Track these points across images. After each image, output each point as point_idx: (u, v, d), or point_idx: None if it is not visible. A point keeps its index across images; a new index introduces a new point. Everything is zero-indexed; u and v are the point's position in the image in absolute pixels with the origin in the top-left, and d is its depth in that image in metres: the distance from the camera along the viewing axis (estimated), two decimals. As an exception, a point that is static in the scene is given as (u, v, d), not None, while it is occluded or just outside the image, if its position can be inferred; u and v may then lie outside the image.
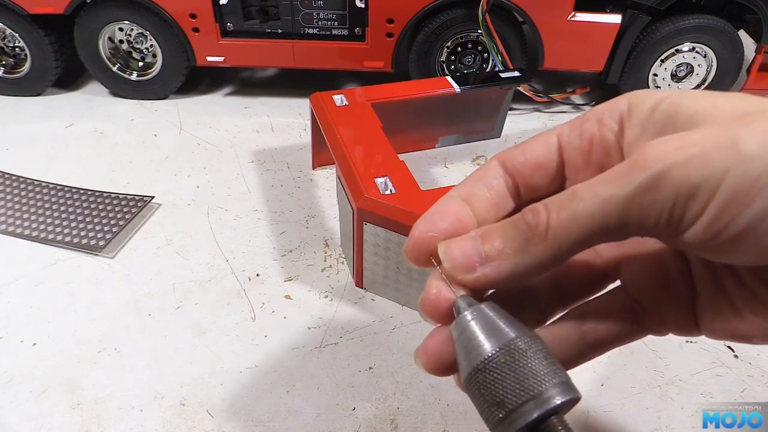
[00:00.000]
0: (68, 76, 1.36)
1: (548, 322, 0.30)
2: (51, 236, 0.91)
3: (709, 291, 0.26)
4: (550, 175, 0.28)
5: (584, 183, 0.23)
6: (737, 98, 0.23)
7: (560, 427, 0.22)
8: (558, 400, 0.22)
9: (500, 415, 0.22)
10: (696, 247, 0.22)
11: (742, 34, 1.19)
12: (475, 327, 0.23)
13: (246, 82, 1.39)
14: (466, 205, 0.26)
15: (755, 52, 1.18)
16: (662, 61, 1.19)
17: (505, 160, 0.28)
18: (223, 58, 1.23)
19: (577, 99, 1.32)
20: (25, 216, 0.95)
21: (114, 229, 0.92)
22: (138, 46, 1.25)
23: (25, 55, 1.26)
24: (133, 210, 0.96)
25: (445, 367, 0.27)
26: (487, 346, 0.23)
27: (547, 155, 0.27)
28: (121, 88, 1.30)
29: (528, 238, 0.23)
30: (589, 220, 0.22)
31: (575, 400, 0.23)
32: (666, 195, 0.21)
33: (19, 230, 0.93)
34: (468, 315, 0.24)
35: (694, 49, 1.17)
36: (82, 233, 0.91)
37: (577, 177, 0.27)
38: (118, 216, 0.95)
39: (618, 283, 0.30)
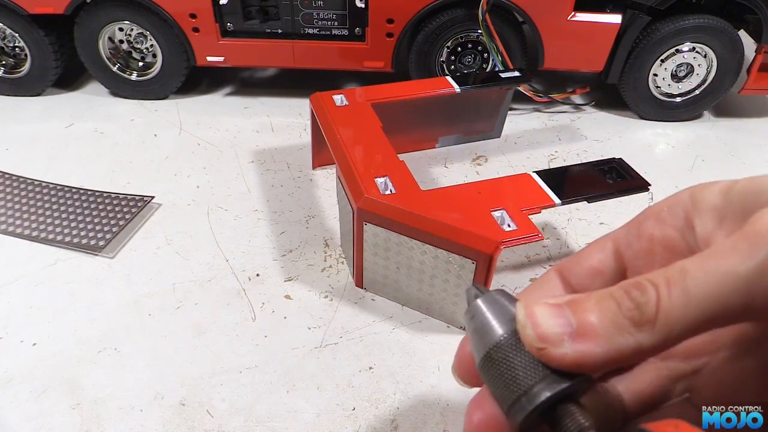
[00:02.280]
0: (68, 76, 1.36)
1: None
2: (51, 236, 0.91)
3: None
4: (610, 282, 0.25)
5: (692, 258, 0.20)
6: None
7: (575, 411, 0.22)
8: (567, 381, 0.21)
9: (513, 398, 0.22)
10: None
11: (742, 34, 1.19)
12: (488, 313, 0.24)
13: (246, 82, 1.39)
14: None
15: (755, 52, 1.18)
16: (662, 61, 1.19)
17: (562, 270, 0.26)
18: (223, 58, 1.23)
19: (577, 99, 1.32)
20: (25, 216, 0.95)
21: (114, 229, 0.92)
22: (138, 46, 1.25)
23: (25, 55, 1.26)
24: (133, 210, 0.96)
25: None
26: (498, 330, 0.23)
27: (604, 260, 0.25)
28: (121, 88, 1.30)
29: (633, 318, 0.20)
30: (706, 302, 0.19)
31: (586, 380, 0.22)
32: None
33: (19, 230, 0.93)
34: (480, 302, 0.24)
35: (694, 49, 1.17)
36: (82, 233, 0.91)
37: None
38: (118, 216, 0.95)
39: None
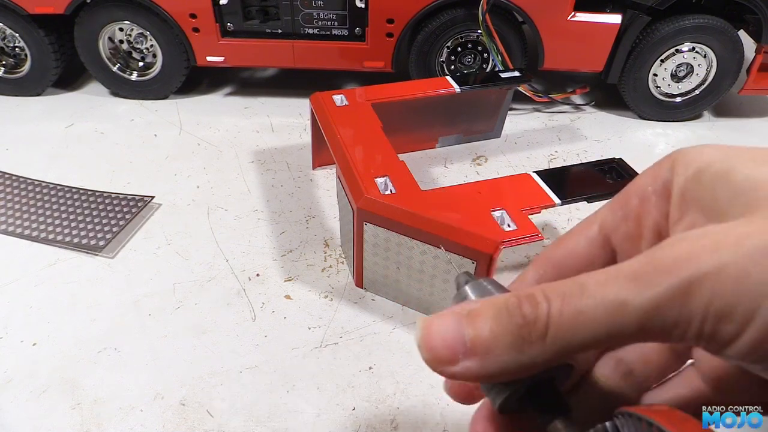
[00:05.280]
0: (68, 76, 1.36)
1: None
2: (51, 236, 0.91)
3: None
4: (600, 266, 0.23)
5: (594, 274, 0.19)
6: None
7: (554, 396, 0.22)
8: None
9: (491, 383, 0.23)
10: (740, 362, 0.19)
11: (742, 34, 1.19)
12: (474, 299, 0.24)
13: (246, 82, 1.39)
14: None
15: (755, 52, 1.18)
16: (662, 61, 1.19)
17: (542, 261, 0.25)
18: (223, 58, 1.23)
19: (577, 99, 1.32)
20: (25, 216, 0.95)
21: (114, 229, 0.92)
22: (138, 46, 1.25)
23: (25, 55, 1.26)
24: (133, 210, 0.96)
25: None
26: None
27: (590, 250, 0.24)
28: (121, 88, 1.30)
29: (523, 334, 0.19)
30: (597, 325, 0.18)
31: (567, 368, 0.23)
32: (693, 311, 0.17)
33: (19, 230, 0.93)
34: (468, 288, 0.24)
35: (694, 49, 1.17)
36: (82, 233, 0.91)
37: None
38: (118, 216, 0.95)
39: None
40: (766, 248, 0.17)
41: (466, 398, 0.26)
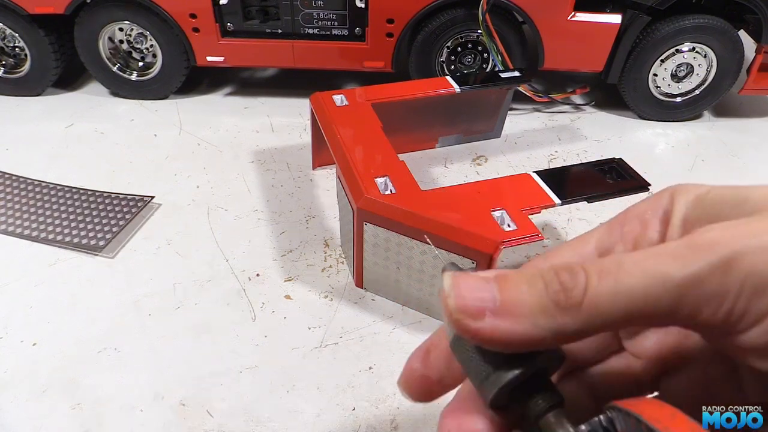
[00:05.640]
0: (68, 76, 1.36)
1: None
2: (51, 236, 0.91)
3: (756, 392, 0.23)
4: None
5: (631, 254, 0.20)
6: None
7: (546, 388, 0.22)
8: (539, 356, 0.22)
9: (484, 375, 0.22)
10: (752, 353, 0.19)
11: (742, 34, 1.19)
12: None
13: (246, 82, 1.39)
14: None
15: (755, 52, 1.18)
16: (662, 61, 1.19)
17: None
18: (223, 58, 1.23)
19: (577, 99, 1.32)
20: (25, 216, 0.95)
21: (114, 229, 0.92)
22: (138, 46, 1.25)
23: (25, 55, 1.26)
24: (133, 210, 0.96)
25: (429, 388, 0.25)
26: None
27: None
28: (121, 88, 1.30)
29: (558, 300, 0.19)
30: (635, 298, 0.19)
31: (559, 358, 0.22)
32: (731, 285, 0.18)
33: (19, 230, 0.93)
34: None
35: (694, 49, 1.17)
36: (82, 233, 0.91)
37: None
38: (118, 216, 0.95)
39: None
40: None
41: (423, 395, 0.25)
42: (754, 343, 0.19)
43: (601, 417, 0.21)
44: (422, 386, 0.26)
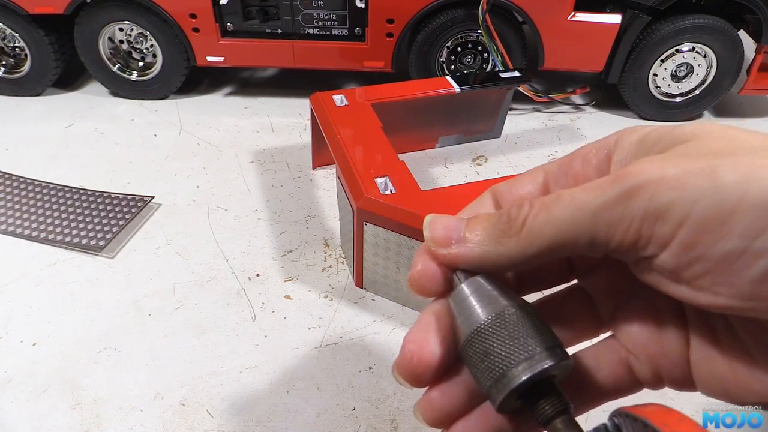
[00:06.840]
0: (68, 76, 1.36)
1: None
2: (51, 236, 0.91)
3: (704, 347, 0.25)
4: None
5: (569, 189, 0.22)
6: (744, 132, 0.22)
7: (554, 393, 0.22)
8: (547, 363, 0.22)
9: (493, 379, 0.23)
10: (665, 279, 0.21)
11: (742, 34, 1.19)
12: (471, 297, 0.24)
13: (246, 82, 1.39)
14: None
15: (755, 52, 1.18)
16: (662, 61, 1.19)
17: (495, 193, 0.28)
18: (223, 58, 1.23)
19: (577, 99, 1.32)
20: (25, 216, 0.95)
21: (114, 229, 0.92)
22: (138, 46, 1.25)
23: (25, 55, 1.26)
24: (133, 210, 0.96)
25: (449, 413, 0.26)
26: (481, 313, 0.24)
27: (532, 192, 0.27)
28: (121, 88, 1.30)
29: (504, 230, 0.23)
30: (562, 227, 0.22)
31: (567, 365, 0.23)
32: (635, 211, 0.20)
33: (19, 230, 0.93)
34: (464, 286, 0.24)
35: (694, 49, 1.17)
36: (82, 233, 0.91)
37: None
38: (118, 216, 0.95)
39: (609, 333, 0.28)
40: (705, 168, 0.19)
41: (442, 422, 0.27)
42: (664, 267, 0.21)
43: (608, 422, 0.21)
44: (442, 413, 0.27)
